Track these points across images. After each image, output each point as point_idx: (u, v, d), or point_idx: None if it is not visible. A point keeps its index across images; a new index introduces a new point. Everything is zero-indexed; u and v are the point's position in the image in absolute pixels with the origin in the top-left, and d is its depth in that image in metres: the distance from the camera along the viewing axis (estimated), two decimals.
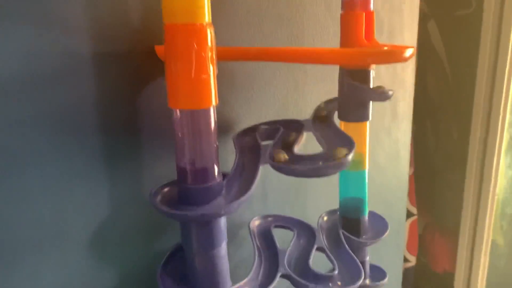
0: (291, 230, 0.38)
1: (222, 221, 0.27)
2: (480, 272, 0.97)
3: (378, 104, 0.52)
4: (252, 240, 0.35)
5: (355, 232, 0.39)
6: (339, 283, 0.31)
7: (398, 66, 0.54)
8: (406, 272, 1.03)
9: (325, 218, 0.41)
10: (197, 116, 0.25)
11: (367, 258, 0.40)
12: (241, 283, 0.29)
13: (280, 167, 0.29)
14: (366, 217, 0.39)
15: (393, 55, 0.30)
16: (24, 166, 0.26)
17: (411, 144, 0.97)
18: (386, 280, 0.40)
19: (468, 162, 0.94)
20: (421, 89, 1.00)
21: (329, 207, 0.42)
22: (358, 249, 0.39)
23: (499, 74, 0.88)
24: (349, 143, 0.29)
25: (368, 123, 0.37)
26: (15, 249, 0.26)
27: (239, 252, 0.39)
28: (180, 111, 0.25)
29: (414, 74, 0.56)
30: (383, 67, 0.52)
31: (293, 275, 0.31)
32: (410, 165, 0.99)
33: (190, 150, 0.25)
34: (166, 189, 0.28)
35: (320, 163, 0.28)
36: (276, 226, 0.38)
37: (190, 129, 0.25)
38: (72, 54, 0.27)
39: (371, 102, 0.37)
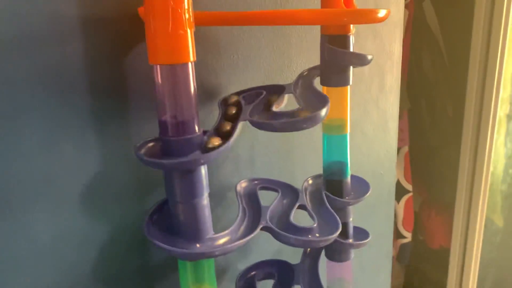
0: (276, 191, 0.39)
1: (203, 172, 0.29)
2: (475, 248, 0.99)
3: (365, 75, 0.53)
4: (238, 200, 0.37)
5: (338, 193, 0.40)
6: (317, 234, 0.33)
7: (386, 38, 0.55)
8: (402, 248, 1.05)
9: (310, 181, 0.42)
10: (176, 71, 0.26)
11: (351, 219, 0.42)
12: (222, 232, 0.31)
13: (258, 123, 0.30)
14: (349, 179, 0.41)
15: (367, 15, 0.32)
16: (15, 123, 0.27)
17: (406, 121, 0.99)
18: (369, 239, 0.42)
19: (463, 139, 0.95)
20: (417, 68, 1.00)
21: (315, 173, 0.43)
22: (342, 210, 0.40)
23: (492, 52, 0.89)
24: (324, 100, 0.31)
25: (349, 88, 0.39)
26: (8, 202, 0.28)
27: (227, 214, 0.41)
28: (160, 67, 0.26)
29: (401, 47, 0.57)
30: (370, 39, 0.53)
31: (274, 228, 0.32)
32: (405, 142, 1.00)
33: (170, 104, 0.27)
34: (150, 144, 0.29)
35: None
36: (261, 188, 0.39)
37: (170, 84, 0.27)
38: (60, 17, 0.28)
39: (351, 67, 0.38)
